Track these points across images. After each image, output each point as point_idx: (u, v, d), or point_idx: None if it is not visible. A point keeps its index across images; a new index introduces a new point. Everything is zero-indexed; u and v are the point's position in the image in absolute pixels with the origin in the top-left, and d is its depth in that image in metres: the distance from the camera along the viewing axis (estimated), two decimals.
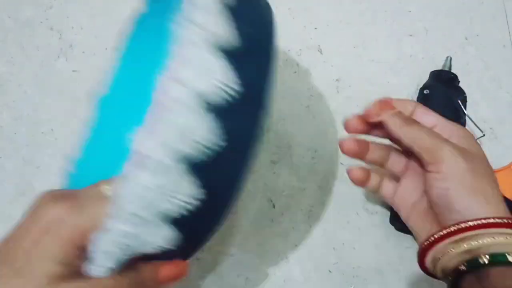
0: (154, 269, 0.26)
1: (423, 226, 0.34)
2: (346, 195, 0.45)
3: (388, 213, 0.45)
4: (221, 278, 0.42)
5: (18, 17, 0.50)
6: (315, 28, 0.46)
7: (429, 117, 0.35)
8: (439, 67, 0.52)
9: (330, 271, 0.43)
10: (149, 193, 0.20)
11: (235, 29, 0.21)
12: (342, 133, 0.37)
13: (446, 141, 0.33)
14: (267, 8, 0.27)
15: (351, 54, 0.52)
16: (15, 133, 0.45)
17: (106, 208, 0.23)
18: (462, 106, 0.44)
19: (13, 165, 0.44)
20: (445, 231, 0.30)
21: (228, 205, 0.25)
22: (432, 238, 0.31)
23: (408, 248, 0.44)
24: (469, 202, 0.30)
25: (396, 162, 0.38)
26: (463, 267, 0.30)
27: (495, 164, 0.48)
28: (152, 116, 0.19)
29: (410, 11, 0.54)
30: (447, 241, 0.30)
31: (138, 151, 0.20)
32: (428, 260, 0.32)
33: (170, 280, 0.27)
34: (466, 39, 0.54)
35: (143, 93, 0.19)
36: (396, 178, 0.38)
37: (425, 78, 0.51)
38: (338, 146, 0.36)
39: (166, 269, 0.26)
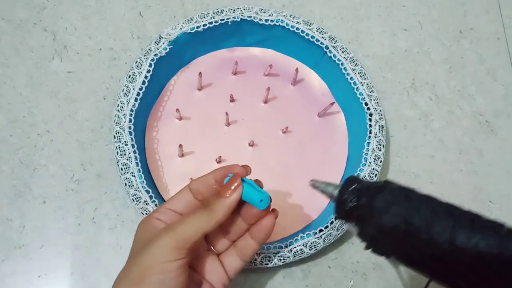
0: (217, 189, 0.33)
1: None
2: None
3: None
4: None
5: (11, 19, 0.49)
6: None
7: None
8: (434, 61, 0.52)
9: (329, 267, 0.43)
10: None
11: None
12: None
13: None
14: None
15: None
16: (11, 135, 0.45)
17: None
18: None
19: (10, 167, 0.44)
20: None
21: None
22: None
23: None
24: None
25: None
26: None
27: (491, 157, 0.48)
28: None
29: (404, 6, 0.54)
30: None
31: None
32: None
33: (232, 189, 0.32)
34: (461, 32, 0.54)
35: None
36: None
37: (420, 72, 0.51)
38: None
39: (226, 185, 0.32)
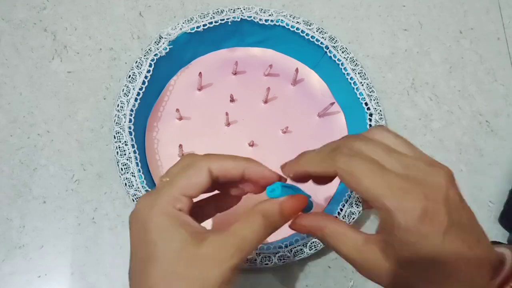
0: (279, 203, 0.28)
1: None
2: None
3: None
4: None
5: (11, 18, 0.49)
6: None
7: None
8: (434, 61, 0.52)
9: (329, 267, 0.43)
10: None
11: None
12: None
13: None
14: None
15: None
16: (11, 135, 0.45)
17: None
18: None
19: (10, 167, 0.44)
20: None
21: None
22: None
23: None
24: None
25: None
26: None
27: (492, 157, 0.48)
28: None
29: (404, 6, 0.54)
30: None
31: None
32: None
33: (293, 211, 0.29)
34: (461, 32, 0.54)
35: None
36: None
37: (420, 72, 0.51)
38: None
39: (288, 202, 0.28)
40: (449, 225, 0.24)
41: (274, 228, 0.28)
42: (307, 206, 0.30)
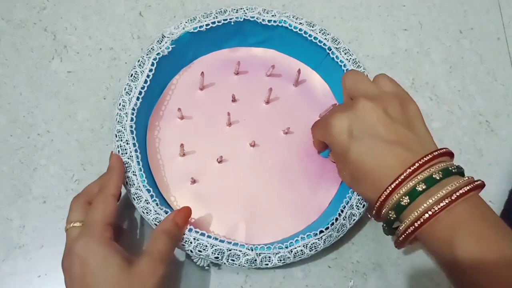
0: (171, 218, 0.37)
1: None
2: None
3: None
4: (222, 275, 0.42)
5: (11, 18, 0.49)
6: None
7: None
8: (434, 61, 0.52)
9: (329, 267, 0.43)
10: None
11: None
12: None
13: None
14: None
15: None
16: (11, 135, 0.45)
17: None
18: None
19: (10, 167, 0.44)
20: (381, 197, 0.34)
21: None
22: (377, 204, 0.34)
23: None
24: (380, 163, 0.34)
25: None
26: (391, 215, 0.33)
27: (492, 157, 0.49)
28: None
29: (404, 5, 0.55)
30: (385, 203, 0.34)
31: None
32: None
33: (184, 220, 0.37)
34: (461, 32, 0.54)
35: None
36: None
37: (420, 72, 0.51)
38: None
39: (178, 215, 0.37)
40: (353, 132, 0.34)
41: (177, 236, 0.37)
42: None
